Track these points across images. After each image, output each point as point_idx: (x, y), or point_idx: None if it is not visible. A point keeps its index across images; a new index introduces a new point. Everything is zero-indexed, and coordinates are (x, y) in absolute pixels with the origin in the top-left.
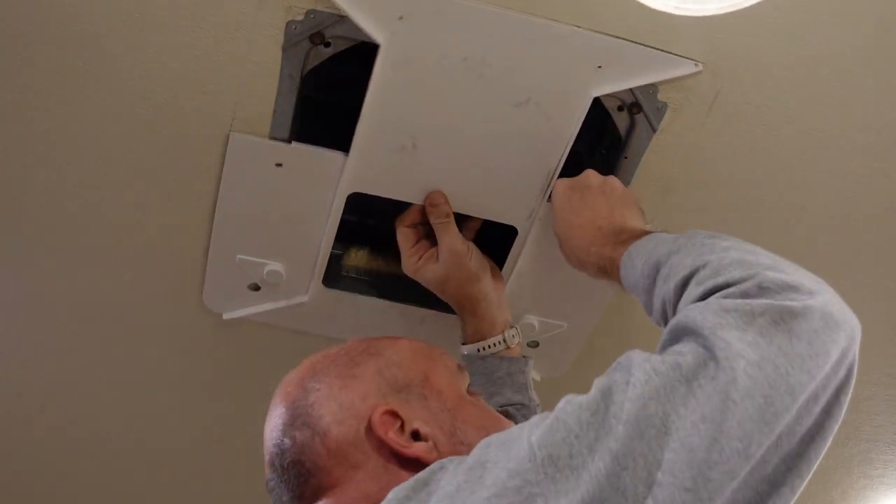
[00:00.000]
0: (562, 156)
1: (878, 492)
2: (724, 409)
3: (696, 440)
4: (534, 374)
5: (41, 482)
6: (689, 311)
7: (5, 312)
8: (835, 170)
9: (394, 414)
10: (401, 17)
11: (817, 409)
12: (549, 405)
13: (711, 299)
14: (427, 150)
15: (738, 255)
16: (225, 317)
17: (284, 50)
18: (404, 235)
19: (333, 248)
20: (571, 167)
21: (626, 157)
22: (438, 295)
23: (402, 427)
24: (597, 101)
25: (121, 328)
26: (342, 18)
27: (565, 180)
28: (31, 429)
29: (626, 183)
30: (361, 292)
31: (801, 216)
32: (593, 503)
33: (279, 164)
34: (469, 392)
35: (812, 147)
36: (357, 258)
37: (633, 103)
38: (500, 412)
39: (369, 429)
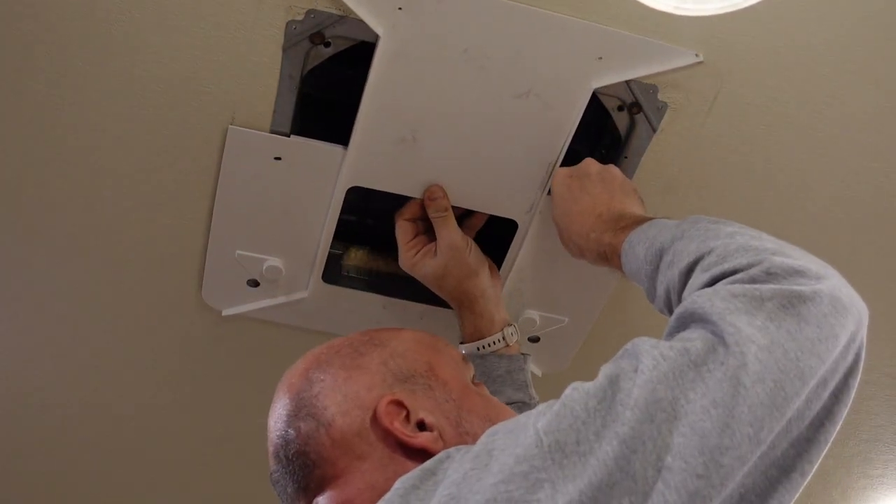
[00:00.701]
0: (562, 149)
1: (878, 492)
2: (735, 394)
3: (707, 425)
4: (534, 369)
5: (41, 481)
6: (697, 297)
7: (4, 309)
8: (835, 170)
9: (399, 404)
10: (400, 8)
11: (826, 393)
12: None
13: (719, 285)
14: (427, 142)
15: (743, 241)
16: (224, 313)
17: (284, 50)
18: (402, 229)
19: (333, 247)
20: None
21: (626, 157)
22: (435, 291)
23: (407, 417)
24: (597, 102)
25: (120, 324)
26: (342, 18)
27: (564, 169)
28: (31, 427)
29: None
30: (361, 288)
31: (801, 216)
32: (602, 486)
33: (278, 158)
34: (474, 383)
35: (812, 147)
36: (357, 258)
37: (633, 103)
38: None
39: (374, 419)
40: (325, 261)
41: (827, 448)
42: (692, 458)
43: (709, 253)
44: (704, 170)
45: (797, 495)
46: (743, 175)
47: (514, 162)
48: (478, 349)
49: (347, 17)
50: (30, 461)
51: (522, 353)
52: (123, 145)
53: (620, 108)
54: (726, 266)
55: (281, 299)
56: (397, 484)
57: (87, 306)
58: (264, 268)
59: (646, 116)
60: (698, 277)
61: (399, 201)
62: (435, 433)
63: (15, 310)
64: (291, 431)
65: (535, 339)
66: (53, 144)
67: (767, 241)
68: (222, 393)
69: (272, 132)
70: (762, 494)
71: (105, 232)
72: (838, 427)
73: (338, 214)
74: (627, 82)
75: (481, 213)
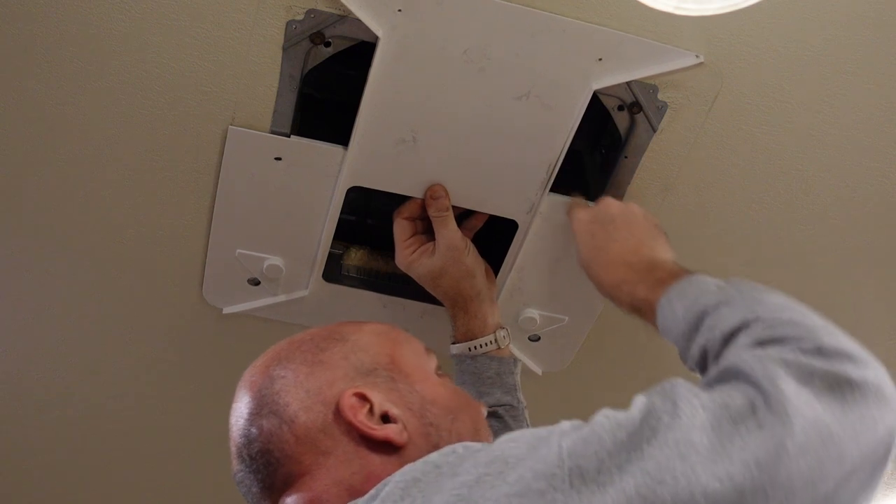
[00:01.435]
0: (562, 149)
1: (877, 491)
2: (777, 459)
3: (746, 484)
4: (534, 368)
5: (41, 481)
6: (745, 356)
7: (4, 309)
8: (835, 170)
9: (362, 397)
10: (400, 10)
11: (854, 484)
12: (551, 400)
13: (770, 349)
14: (427, 142)
15: (791, 315)
16: (225, 311)
17: (284, 50)
18: (400, 227)
19: (333, 246)
20: (571, 167)
21: (626, 157)
22: (430, 290)
23: (371, 410)
24: (597, 102)
25: (121, 323)
26: (342, 18)
27: (584, 212)
28: (31, 426)
29: (626, 183)
30: (361, 287)
31: (801, 216)
32: None
33: (278, 158)
34: (438, 374)
35: (812, 147)
36: (357, 257)
37: (634, 103)
38: (490, 413)
39: (337, 413)
40: (325, 260)
41: None
42: None
43: (755, 321)
44: (704, 170)
45: None
46: (743, 175)
47: (514, 162)
48: (469, 349)
49: (348, 17)
50: (30, 461)
51: (514, 358)
52: (123, 145)
53: (620, 108)
54: (776, 334)
55: (281, 298)
56: (398, 476)
57: (88, 306)
58: (265, 266)
59: (646, 116)
60: (742, 341)
61: (399, 201)
62: (399, 425)
63: (15, 310)
64: (254, 430)
65: (535, 339)
66: (53, 144)
67: (815, 318)
68: (223, 391)
69: (272, 132)
70: None
71: (105, 231)
72: None
73: (338, 214)
74: (628, 83)
75: (481, 214)
